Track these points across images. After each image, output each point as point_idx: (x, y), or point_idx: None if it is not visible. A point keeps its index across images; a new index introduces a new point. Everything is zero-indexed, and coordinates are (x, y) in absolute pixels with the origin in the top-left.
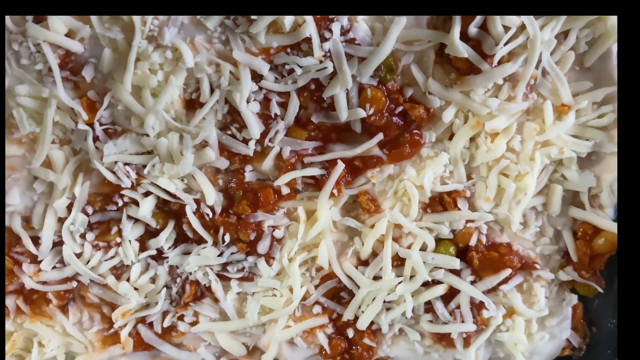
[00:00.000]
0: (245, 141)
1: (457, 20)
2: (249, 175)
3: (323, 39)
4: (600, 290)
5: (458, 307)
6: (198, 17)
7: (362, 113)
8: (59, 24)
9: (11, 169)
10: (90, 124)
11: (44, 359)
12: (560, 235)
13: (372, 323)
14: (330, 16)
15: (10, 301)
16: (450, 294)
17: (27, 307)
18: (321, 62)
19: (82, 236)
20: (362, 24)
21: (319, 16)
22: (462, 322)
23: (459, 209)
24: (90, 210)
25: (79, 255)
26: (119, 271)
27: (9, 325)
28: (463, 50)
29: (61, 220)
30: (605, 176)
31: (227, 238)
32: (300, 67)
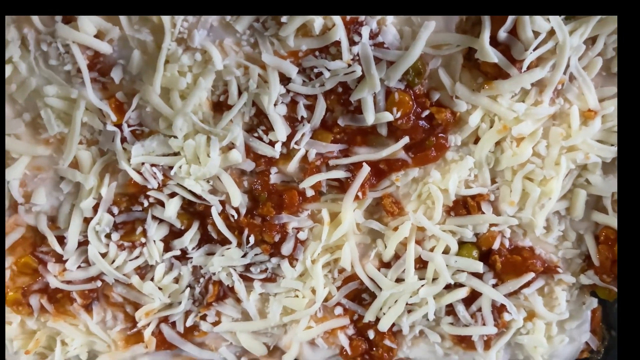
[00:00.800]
0: (272, 143)
1: (487, 25)
2: (274, 177)
3: (352, 43)
4: None
5: (479, 309)
6: (227, 19)
7: (389, 117)
8: (88, 24)
9: (38, 169)
10: (118, 125)
11: (67, 358)
12: (583, 239)
13: (392, 324)
14: (360, 20)
15: (34, 300)
16: (472, 297)
17: (51, 306)
18: (349, 65)
19: (108, 236)
20: (390, 28)
21: (348, 19)
22: (483, 324)
23: (483, 213)
24: (115, 210)
25: (104, 255)
26: (143, 271)
27: (32, 324)
28: (493, 55)
29: (87, 220)
30: None
31: (252, 239)
32: (329, 70)
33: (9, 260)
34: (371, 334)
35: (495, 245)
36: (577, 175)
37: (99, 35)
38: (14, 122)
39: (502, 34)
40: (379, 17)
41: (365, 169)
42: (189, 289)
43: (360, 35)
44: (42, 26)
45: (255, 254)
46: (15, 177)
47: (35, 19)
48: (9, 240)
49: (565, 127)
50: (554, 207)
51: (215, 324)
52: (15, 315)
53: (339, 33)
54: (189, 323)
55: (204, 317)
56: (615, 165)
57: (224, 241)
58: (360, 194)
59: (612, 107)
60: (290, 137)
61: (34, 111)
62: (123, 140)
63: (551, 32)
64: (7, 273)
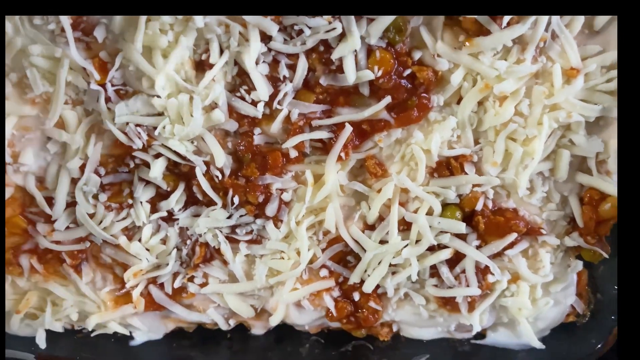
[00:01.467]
0: (254, 103)
1: None
2: (257, 138)
3: None
4: (606, 256)
5: (463, 271)
6: None
7: (370, 75)
8: None
9: (25, 129)
10: (102, 85)
11: (58, 318)
12: (567, 201)
13: (377, 287)
14: None
15: (24, 260)
16: (456, 259)
17: (41, 266)
18: (330, 22)
19: (95, 197)
20: None
21: None
22: (467, 286)
23: (466, 174)
24: (102, 171)
25: (92, 216)
26: (131, 232)
27: (22, 284)
28: None
29: (74, 181)
30: (612, 142)
31: (236, 200)
32: (309, 27)
33: None
34: (356, 296)
35: (479, 207)
36: (560, 135)
37: None
38: None
39: None
40: None
41: (348, 129)
42: (176, 250)
43: None
44: None
45: (240, 215)
46: None
47: None
48: None
49: (548, 85)
50: (537, 168)
51: (203, 285)
52: (6, 276)
53: None
54: (176, 284)
55: (191, 279)
56: (599, 125)
57: (210, 202)
58: (343, 154)
59: (594, 65)
60: (272, 97)
61: (20, 71)
62: (107, 100)
63: None
64: None
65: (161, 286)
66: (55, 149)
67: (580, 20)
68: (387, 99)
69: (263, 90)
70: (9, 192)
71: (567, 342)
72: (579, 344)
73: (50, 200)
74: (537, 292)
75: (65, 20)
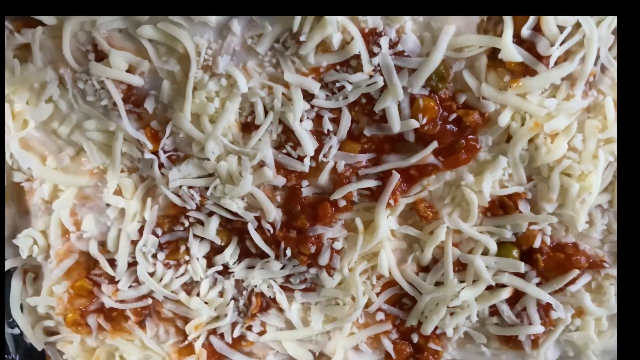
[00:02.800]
0: (300, 158)
1: (509, 24)
2: (305, 191)
3: (372, 54)
4: None
5: (524, 309)
6: (249, 42)
7: (415, 124)
8: (120, 60)
9: (85, 198)
10: (155, 152)
11: None
12: None
13: (436, 327)
14: (378, 30)
15: (92, 320)
16: (516, 296)
17: (108, 325)
18: (371, 76)
19: (154, 256)
20: (410, 35)
21: (366, 31)
22: (530, 324)
23: (521, 212)
24: (159, 231)
25: (152, 274)
26: (190, 287)
27: (91, 342)
28: (517, 54)
29: (134, 243)
30: None
31: (289, 252)
32: (351, 83)
33: (65, 285)
34: (415, 338)
35: (536, 244)
36: (617, 167)
37: (130, 70)
38: (60, 157)
39: (526, 32)
40: (397, 25)
41: (395, 177)
42: (233, 301)
43: (379, 46)
44: (77, 65)
45: (294, 266)
46: (65, 208)
47: (70, 59)
48: (64, 266)
49: (601, 118)
50: (596, 201)
51: (261, 333)
52: (75, 335)
53: (358, 46)
54: (236, 334)
55: (249, 328)
56: None
57: (263, 255)
58: (392, 201)
59: None
60: (318, 151)
61: (76, 145)
62: (161, 166)
63: (577, 25)
64: (65, 297)
65: (221, 336)
66: (114, 215)
67: None
68: (434, 144)
69: (308, 146)
70: (73, 258)
71: None
72: None
73: (112, 262)
74: (603, 325)
75: (117, 95)
